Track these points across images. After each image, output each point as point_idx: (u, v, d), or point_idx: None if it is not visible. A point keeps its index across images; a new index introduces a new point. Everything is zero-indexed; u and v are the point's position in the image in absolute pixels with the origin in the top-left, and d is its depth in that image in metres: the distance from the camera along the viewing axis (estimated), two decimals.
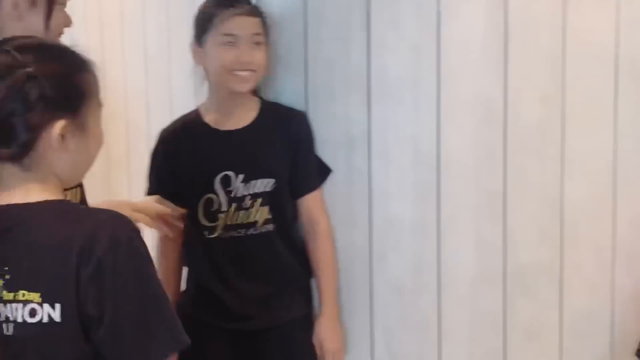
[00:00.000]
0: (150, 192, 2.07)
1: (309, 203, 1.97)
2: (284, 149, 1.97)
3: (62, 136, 1.24)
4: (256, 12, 1.97)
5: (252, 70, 1.93)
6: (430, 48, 1.75)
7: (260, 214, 1.95)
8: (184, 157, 1.99)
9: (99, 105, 1.33)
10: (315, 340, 1.97)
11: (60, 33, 1.78)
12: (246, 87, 1.94)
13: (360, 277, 1.98)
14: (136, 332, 1.21)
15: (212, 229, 1.96)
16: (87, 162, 1.35)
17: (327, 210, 2.01)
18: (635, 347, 1.87)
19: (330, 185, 2.00)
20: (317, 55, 1.99)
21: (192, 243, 2.00)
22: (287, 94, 2.06)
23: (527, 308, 1.86)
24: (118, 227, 1.23)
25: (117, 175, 2.85)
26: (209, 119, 1.98)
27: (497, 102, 1.76)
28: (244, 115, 1.98)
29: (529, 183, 1.81)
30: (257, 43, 1.93)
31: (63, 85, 1.26)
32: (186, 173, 1.99)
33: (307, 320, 1.99)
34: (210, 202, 1.96)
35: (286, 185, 1.97)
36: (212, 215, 1.96)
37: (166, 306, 1.25)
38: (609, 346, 1.84)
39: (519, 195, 1.79)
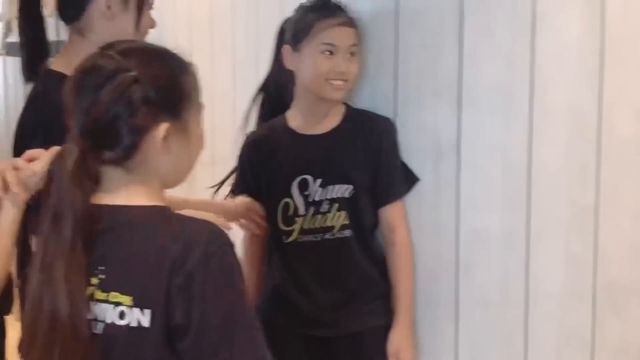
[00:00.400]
0: (236, 194, 2.09)
1: (389, 211, 1.96)
2: (365, 155, 1.97)
3: (165, 138, 1.25)
4: (353, 23, 1.98)
5: (345, 80, 1.94)
6: (524, 57, 1.72)
7: (338, 219, 1.95)
8: (267, 161, 2.01)
9: (200, 107, 1.34)
10: (389, 350, 1.95)
11: (146, 34, 1.82)
12: (339, 95, 1.95)
13: (445, 290, 1.96)
14: (220, 347, 1.21)
15: (289, 233, 1.97)
16: (189, 164, 1.36)
17: (407, 219, 1.99)
18: None
19: (416, 194, 1.99)
20: (407, 62, 1.99)
21: (270, 248, 2.02)
22: (376, 101, 2.06)
23: (616, 326, 1.79)
24: (212, 240, 1.22)
25: (203, 177, 2.93)
26: (294, 124, 2.00)
27: (591, 114, 1.72)
28: (328, 121, 1.99)
29: (621, 198, 1.76)
30: (353, 54, 1.95)
31: (166, 88, 1.27)
32: (268, 177, 2.01)
33: (383, 331, 1.97)
34: (287, 206, 1.97)
35: (366, 192, 1.96)
36: (289, 220, 1.98)
37: (252, 323, 1.24)
38: None
39: (611, 210, 1.74)
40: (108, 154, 1.25)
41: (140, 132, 1.24)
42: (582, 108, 1.72)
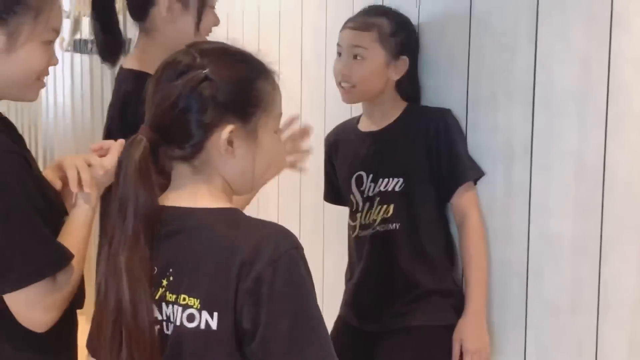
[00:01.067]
0: (326, 197, 2.18)
1: (459, 197, 1.93)
2: (421, 148, 1.96)
3: (230, 141, 1.25)
4: (366, 26, 1.96)
5: (350, 84, 1.94)
6: (601, 61, 1.68)
7: (379, 212, 1.96)
8: (340, 160, 2.06)
9: (276, 117, 1.34)
10: (455, 339, 1.92)
11: (209, 32, 1.87)
12: (347, 99, 1.99)
13: (515, 294, 1.93)
14: (287, 352, 1.22)
15: (354, 229, 2.01)
16: (256, 173, 1.35)
17: (479, 206, 1.95)
18: None
19: (487, 197, 1.98)
20: (480, 64, 1.98)
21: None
22: (448, 103, 2.05)
23: None
24: (281, 243, 1.22)
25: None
26: (361, 123, 2.04)
27: None
28: (385, 118, 2.01)
29: None
30: (356, 56, 1.94)
31: (236, 90, 1.27)
32: (339, 175, 2.06)
33: (426, 333, 1.94)
34: (352, 202, 2.02)
35: (422, 185, 1.95)
36: (354, 216, 2.03)
37: (319, 327, 1.24)
38: None
39: None
40: (176, 150, 1.27)
41: (205, 130, 1.25)
42: None
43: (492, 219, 1.98)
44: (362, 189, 2.01)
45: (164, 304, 1.26)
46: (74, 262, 1.50)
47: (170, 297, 1.24)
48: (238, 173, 1.31)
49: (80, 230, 1.54)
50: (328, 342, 1.23)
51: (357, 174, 2.01)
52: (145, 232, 1.25)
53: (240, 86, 1.28)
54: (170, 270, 1.25)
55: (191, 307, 1.22)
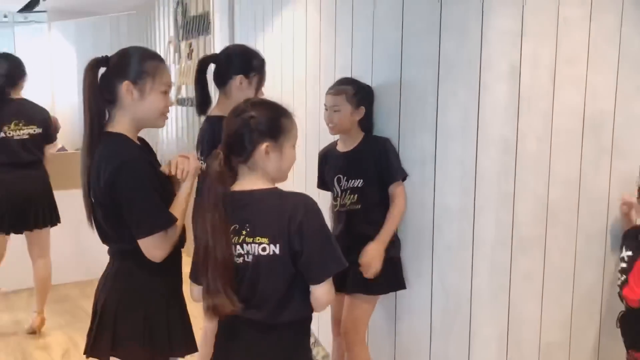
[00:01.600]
0: (318, 186, 2.64)
1: (392, 189, 2.37)
2: (371, 162, 2.39)
3: (267, 152, 1.61)
4: (338, 91, 2.42)
5: (333, 124, 2.42)
6: (474, 108, 2.08)
7: (349, 199, 2.43)
8: (327, 167, 2.55)
9: (293, 137, 1.67)
10: (363, 260, 2.30)
11: (262, 95, 2.37)
12: (332, 133, 2.48)
13: (427, 240, 2.34)
14: (319, 259, 1.57)
15: (335, 207, 2.50)
16: (284, 169, 1.68)
17: (404, 192, 2.38)
18: None
19: (410, 185, 2.37)
20: (406, 109, 2.39)
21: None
22: (388, 133, 2.49)
23: None
24: (308, 203, 1.59)
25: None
26: (338, 145, 2.54)
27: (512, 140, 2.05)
28: (352, 143, 2.47)
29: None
30: (335, 110, 2.40)
31: (270, 123, 1.62)
32: (327, 176, 2.55)
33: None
34: (334, 191, 2.49)
35: (372, 184, 2.37)
36: (335, 199, 2.49)
37: (334, 244, 1.61)
38: None
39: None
40: (236, 157, 1.61)
41: (251, 145, 1.59)
42: (507, 137, 2.08)
43: (414, 198, 2.38)
44: (340, 184, 2.48)
45: (244, 244, 1.56)
46: (178, 223, 1.79)
47: (249, 239, 1.56)
48: (274, 169, 1.64)
49: (182, 204, 1.84)
50: (339, 251, 1.60)
51: (337, 176, 2.47)
52: (223, 203, 1.56)
53: (271, 121, 1.63)
54: (247, 225, 1.56)
55: (263, 243, 1.54)
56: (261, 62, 2.44)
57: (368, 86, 2.51)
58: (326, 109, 2.44)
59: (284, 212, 1.54)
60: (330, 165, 2.53)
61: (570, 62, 2.17)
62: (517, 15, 2.10)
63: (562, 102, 2.18)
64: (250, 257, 1.55)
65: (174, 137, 5.97)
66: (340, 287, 2.40)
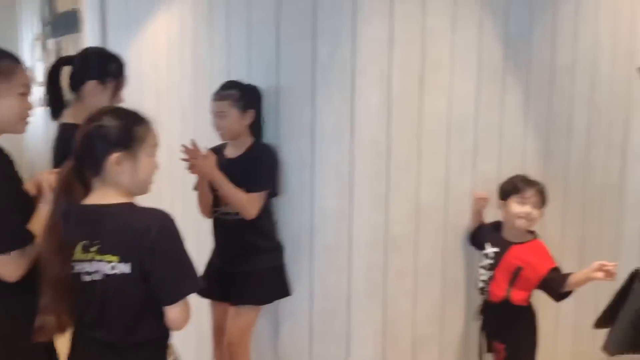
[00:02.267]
0: (195, 187, 2.49)
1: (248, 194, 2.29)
2: (249, 169, 2.33)
3: (118, 163, 1.51)
4: (223, 97, 2.34)
5: (222, 132, 2.36)
6: (347, 112, 2.14)
7: None
8: None
9: (149, 146, 1.56)
10: None
11: (121, 100, 2.22)
12: (221, 139, 2.41)
13: (305, 241, 2.38)
14: (172, 279, 1.50)
15: (215, 212, 2.42)
16: (141, 181, 1.57)
17: (286, 203, 2.38)
18: None
19: (290, 188, 2.39)
20: (286, 118, 2.40)
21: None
22: (274, 139, 2.47)
23: None
24: (163, 218, 1.50)
25: None
26: (226, 150, 2.45)
27: (382, 144, 2.18)
28: (241, 149, 2.40)
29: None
30: (222, 116, 2.33)
31: (120, 132, 1.52)
32: None
33: (262, 271, 2.37)
34: (217, 197, 2.38)
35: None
36: (217, 205, 2.41)
37: (191, 264, 1.52)
38: None
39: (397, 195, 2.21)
40: (86, 169, 1.52)
41: (100, 157, 1.50)
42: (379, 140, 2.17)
43: (293, 202, 2.38)
44: None
45: (93, 262, 1.48)
46: (37, 240, 1.64)
47: (98, 257, 1.48)
48: (128, 181, 1.54)
49: (41, 220, 1.66)
50: (195, 270, 1.53)
51: None
52: (65, 218, 1.47)
53: (122, 129, 1.52)
54: (96, 241, 1.48)
55: (113, 261, 1.47)
56: (119, 67, 2.28)
57: (255, 88, 2.45)
58: (213, 116, 2.37)
59: (137, 229, 1.46)
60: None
61: (436, 70, 2.28)
62: (387, 24, 2.17)
63: (429, 107, 2.29)
64: (99, 275, 1.48)
65: (42, 144, 5.46)
66: (223, 296, 2.41)
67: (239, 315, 2.38)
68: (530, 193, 2.32)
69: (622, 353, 1.29)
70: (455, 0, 2.31)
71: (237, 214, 2.34)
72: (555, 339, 2.81)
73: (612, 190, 3.02)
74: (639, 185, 3.06)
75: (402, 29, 2.20)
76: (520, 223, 2.33)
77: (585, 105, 2.81)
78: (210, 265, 2.48)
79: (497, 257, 2.34)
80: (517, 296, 2.30)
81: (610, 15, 2.83)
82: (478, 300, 2.48)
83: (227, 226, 2.42)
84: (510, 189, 2.36)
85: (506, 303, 2.30)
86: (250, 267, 2.39)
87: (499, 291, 2.31)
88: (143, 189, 1.60)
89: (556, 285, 2.25)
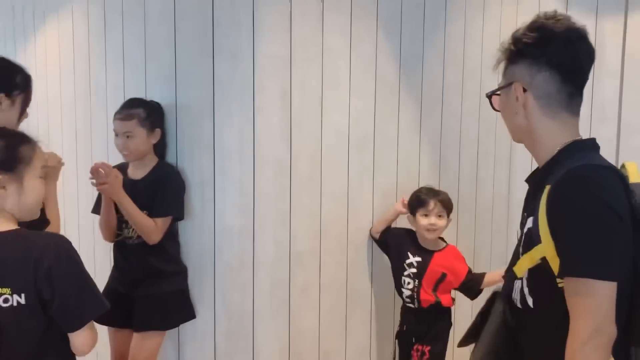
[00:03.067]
0: (94, 210, 2.40)
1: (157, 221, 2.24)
2: (154, 192, 2.26)
3: (1, 186, 1.43)
4: (128, 116, 2.25)
5: (129, 152, 2.26)
6: (250, 131, 2.15)
7: (134, 231, 2.28)
8: None
9: (36, 167, 1.50)
10: None
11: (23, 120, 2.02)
12: (127, 159, 2.31)
13: (208, 261, 2.33)
14: (75, 305, 1.43)
15: (119, 235, 2.32)
16: (30, 205, 1.50)
17: (189, 221, 2.32)
18: None
19: (191, 207, 2.33)
20: (186, 135, 2.34)
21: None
22: (176, 160, 2.40)
23: None
24: (59, 243, 1.44)
25: None
26: (129, 170, 2.34)
27: (286, 162, 2.21)
28: (145, 170, 2.32)
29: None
30: (129, 136, 2.24)
31: (4, 153, 1.45)
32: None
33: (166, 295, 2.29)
34: (120, 220, 2.32)
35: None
36: (121, 229, 2.32)
37: (93, 286, 1.48)
38: None
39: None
40: None
41: None
42: (281, 157, 2.20)
43: (194, 221, 2.33)
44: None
45: None
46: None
47: None
48: (14, 206, 1.47)
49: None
50: (99, 291, 1.49)
51: None
52: None
53: (5, 150, 1.46)
54: None
55: (5, 294, 1.38)
56: (27, 79, 2.11)
57: (158, 104, 2.37)
58: (117, 135, 2.26)
59: (29, 256, 1.38)
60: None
61: (334, 88, 2.33)
62: (286, 42, 2.19)
63: (329, 125, 2.33)
64: None
65: None
66: (124, 322, 2.32)
67: (144, 341, 2.30)
68: (432, 205, 2.42)
69: None
70: (352, 20, 2.37)
71: (139, 237, 2.27)
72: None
73: (501, 201, 3.19)
74: (523, 196, 3.23)
75: (301, 47, 2.23)
76: (428, 235, 2.43)
77: (474, 121, 2.96)
78: (110, 290, 2.35)
79: (421, 265, 2.42)
80: (445, 300, 2.44)
81: (494, 35, 2.99)
82: (383, 312, 2.54)
83: (129, 250, 2.33)
84: (415, 203, 2.46)
85: (434, 307, 2.41)
86: (154, 291, 2.31)
87: (428, 297, 2.41)
88: (32, 213, 1.53)
89: (475, 285, 2.43)
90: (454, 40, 2.81)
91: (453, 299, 2.50)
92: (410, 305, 2.46)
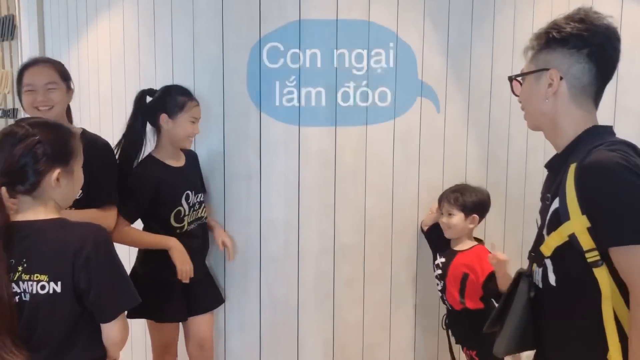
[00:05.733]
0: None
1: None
2: (196, 170, 2.36)
3: (57, 179, 1.46)
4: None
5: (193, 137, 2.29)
6: (295, 130, 2.35)
7: (202, 211, 2.29)
8: (163, 185, 2.27)
9: (81, 158, 1.55)
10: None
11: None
12: (188, 145, 2.31)
13: (253, 252, 2.36)
14: (110, 295, 1.45)
15: (182, 227, 2.25)
16: (73, 194, 1.56)
17: (233, 212, 2.33)
18: None
19: (236, 199, 2.34)
20: (231, 125, 2.35)
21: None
22: (212, 148, 2.44)
23: None
24: (97, 233, 1.45)
25: None
26: (168, 161, 2.28)
27: (330, 153, 2.28)
28: (179, 157, 2.27)
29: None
30: (197, 121, 2.23)
31: (59, 147, 1.47)
32: (166, 195, 2.27)
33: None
34: (181, 210, 2.26)
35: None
36: (182, 218, 2.24)
37: (128, 279, 1.50)
38: None
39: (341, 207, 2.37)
40: (20, 187, 1.45)
41: (40, 174, 1.44)
42: (326, 150, 2.25)
43: (240, 213, 2.34)
44: (188, 201, 2.26)
45: (20, 282, 1.42)
46: None
47: (25, 277, 1.41)
48: (63, 197, 1.51)
49: None
50: (132, 284, 1.50)
51: (185, 192, 2.26)
52: (2, 240, 1.40)
53: (60, 144, 1.48)
54: (24, 260, 1.41)
55: (42, 280, 1.40)
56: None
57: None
58: (192, 121, 2.26)
59: (68, 245, 1.41)
60: (171, 183, 2.25)
61: (380, 80, 2.30)
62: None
63: (374, 117, 2.32)
64: (28, 296, 1.41)
65: None
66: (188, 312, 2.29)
67: (211, 320, 2.34)
68: (442, 204, 2.33)
69: (510, 354, 1.41)
70: (399, 12, 2.35)
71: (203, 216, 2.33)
72: None
73: None
74: None
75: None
76: (446, 234, 2.33)
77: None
78: (169, 285, 2.26)
79: (444, 266, 2.36)
80: (471, 303, 2.28)
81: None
82: (428, 306, 2.51)
83: (200, 229, 2.34)
84: (439, 204, 2.38)
85: (466, 310, 2.28)
86: (206, 271, 2.38)
87: (453, 300, 2.30)
88: (71, 202, 1.58)
89: (495, 287, 2.24)
90: (504, 31, 2.73)
91: (486, 303, 2.29)
92: (446, 306, 2.40)
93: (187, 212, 2.25)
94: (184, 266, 2.16)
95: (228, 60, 2.39)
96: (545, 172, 1.44)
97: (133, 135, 2.24)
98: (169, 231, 2.21)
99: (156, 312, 2.20)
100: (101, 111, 3.31)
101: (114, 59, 3.17)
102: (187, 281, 2.17)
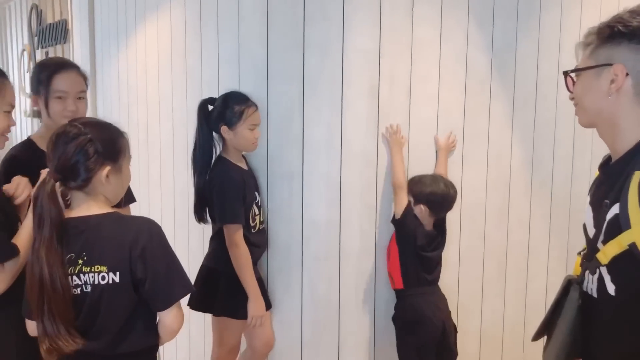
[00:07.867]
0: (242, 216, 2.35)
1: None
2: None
3: (107, 176, 1.51)
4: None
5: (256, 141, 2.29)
6: (337, 124, 2.17)
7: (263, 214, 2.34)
8: (246, 188, 2.35)
9: (129, 157, 1.60)
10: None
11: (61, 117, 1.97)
12: (253, 149, 2.33)
13: (295, 251, 2.35)
14: (165, 284, 1.50)
15: (254, 227, 2.33)
16: (122, 190, 1.60)
17: (279, 211, 2.35)
18: None
19: (279, 199, 2.35)
20: (275, 126, 2.36)
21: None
22: (259, 148, 2.41)
23: None
24: (151, 226, 1.51)
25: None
26: (245, 165, 2.37)
27: (372, 154, 2.18)
28: (243, 160, 2.38)
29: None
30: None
31: (109, 145, 1.52)
32: (247, 197, 2.34)
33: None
34: (253, 211, 2.34)
35: None
36: (253, 219, 2.31)
37: (182, 269, 1.53)
38: None
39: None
40: (72, 183, 1.50)
41: (91, 171, 1.49)
42: (368, 151, 2.21)
43: (282, 212, 2.36)
44: (257, 203, 2.37)
45: (81, 275, 1.47)
46: (22, 253, 1.66)
47: (86, 269, 1.47)
48: (113, 192, 1.56)
49: (27, 233, 1.67)
50: (186, 275, 1.55)
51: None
52: (57, 234, 1.44)
53: (110, 143, 1.53)
54: (83, 253, 1.47)
55: (102, 271, 1.46)
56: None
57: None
58: (253, 127, 2.29)
59: (125, 237, 1.46)
60: (249, 184, 2.33)
61: (423, 81, 2.28)
62: (375, 35, 2.18)
63: (417, 118, 2.29)
64: (89, 287, 1.47)
65: None
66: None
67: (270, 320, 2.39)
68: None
69: None
70: (443, 11, 2.32)
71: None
72: None
73: None
74: None
75: (390, 40, 2.21)
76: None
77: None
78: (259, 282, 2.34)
79: None
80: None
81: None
82: (467, 306, 2.49)
83: (265, 233, 2.41)
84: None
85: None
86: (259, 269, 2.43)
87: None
88: (119, 199, 1.61)
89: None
90: (550, 30, 2.68)
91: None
92: None
93: (257, 212, 2.34)
94: (258, 313, 2.25)
95: (272, 61, 2.40)
96: (592, 176, 1.39)
97: (203, 142, 2.31)
98: (246, 230, 2.28)
99: (239, 310, 2.26)
100: (149, 112, 3.36)
101: (162, 61, 3.24)
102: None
